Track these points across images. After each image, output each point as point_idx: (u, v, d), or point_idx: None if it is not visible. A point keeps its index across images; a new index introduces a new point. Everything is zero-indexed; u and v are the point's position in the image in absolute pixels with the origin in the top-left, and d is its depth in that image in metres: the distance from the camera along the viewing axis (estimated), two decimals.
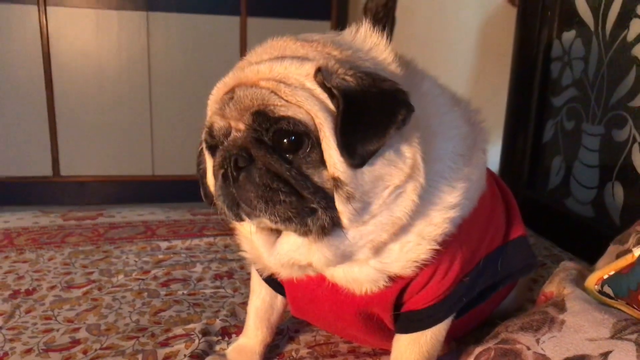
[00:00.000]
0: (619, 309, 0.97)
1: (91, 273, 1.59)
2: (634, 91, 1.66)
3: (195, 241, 1.84)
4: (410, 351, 1.02)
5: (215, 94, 0.90)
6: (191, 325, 1.29)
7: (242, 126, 0.84)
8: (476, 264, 1.03)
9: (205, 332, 1.25)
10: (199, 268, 1.64)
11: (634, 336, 0.86)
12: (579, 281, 1.09)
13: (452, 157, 0.92)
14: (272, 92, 0.82)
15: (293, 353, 1.21)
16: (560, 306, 0.99)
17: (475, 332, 1.23)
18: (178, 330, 1.27)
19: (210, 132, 0.88)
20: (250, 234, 0.95)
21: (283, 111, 0.81)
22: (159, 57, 3.89)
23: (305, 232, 0.84)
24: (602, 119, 1.79)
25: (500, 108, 2.30)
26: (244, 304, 1.34)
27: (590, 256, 1.28)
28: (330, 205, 0.82)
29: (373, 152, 0.79)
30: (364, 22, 0.93)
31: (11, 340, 1.22)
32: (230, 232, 1.16)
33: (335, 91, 0.80)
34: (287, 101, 0.81)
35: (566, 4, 2.00)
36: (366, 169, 0.81)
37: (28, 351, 1.18)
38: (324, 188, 0.82)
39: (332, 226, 0.83)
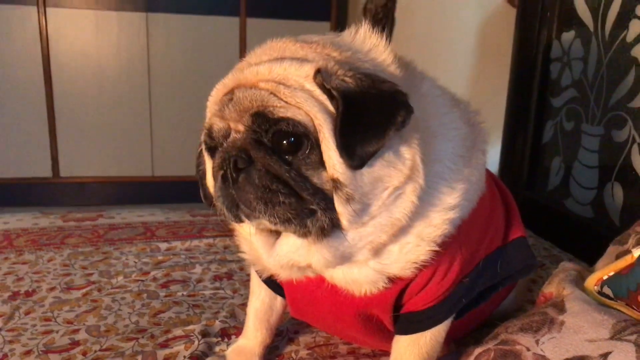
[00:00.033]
0: (619, 310, 0.97)
1: (91, 274, 1.59)
2: (633, 92, 1.66)
3: (195, 242, 1.84)
4: (409, 352, 1.02)
5: (215, 95, 0.90)
6: (191, 327, 1.29)
7: (241, 127, 0.84)
8: (476, 265, 1.03)
9: (204, 334, 1.25)
10: (198, 269, 1.64)
11: (633, 337, 0.86)
12: (578, 282, 1.09)
13: (452, 158, 0.92)
14: (271, 93, 0.82)
15: (293, 354, 1.21)
16: (560, 307, 0.99)
17: (474, 333, 1.23)
18: (177, 332, 1.27)
19: (210, 133, 0.88)
20: (249, 235, 0.95)
21: (282, 112, 0.81)
22: (158, 57, 3.89)
23: (304, 234, 0.84)
24: (602, 120, 1.79)
25: (500, 109, 2.31)
26: (244, 305, 1.34)
27: (589, 257, 1.28)
28: (329, 207, 0.82)
29: (372, 153, 0.79)
30: (363, 23, 0.93)
31: (11, 342, 1.22)
32: (229, 233, 1.16)
33: (334, 92, 0.80)
34: (286, 102, 0.81)
35: (565, 5, 2.00)
36: (365, 171, 0.81)
37: (27, 353, 1.18)
38: (323, 189, 0.82)
39: (331, 227, 0.83)
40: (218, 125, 0.87)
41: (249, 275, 1.27)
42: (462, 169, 0.93)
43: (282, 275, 0.97)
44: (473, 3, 2.68)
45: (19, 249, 1.76)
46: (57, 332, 1.27)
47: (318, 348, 1.23)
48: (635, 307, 0.96)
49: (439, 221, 0.90)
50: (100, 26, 3.76)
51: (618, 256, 1.06)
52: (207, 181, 0.97)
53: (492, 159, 2.23)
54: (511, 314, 1.25)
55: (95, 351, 1.19)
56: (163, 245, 1.82)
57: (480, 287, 1.06)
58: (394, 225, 0.86)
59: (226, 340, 1.25)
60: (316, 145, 0.81)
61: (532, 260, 1.16)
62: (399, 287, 0.95)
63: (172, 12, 3.84)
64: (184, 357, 1.16)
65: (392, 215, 0.85)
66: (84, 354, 1.18)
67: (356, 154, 0.78)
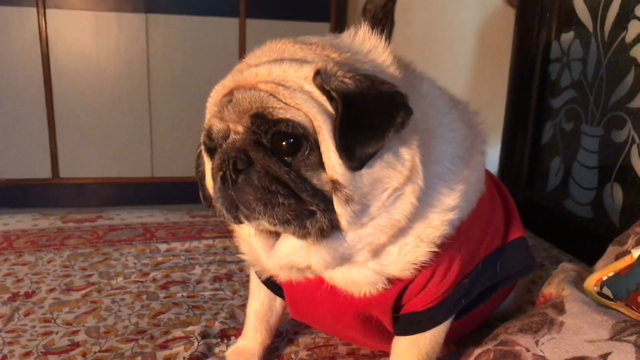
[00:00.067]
0: (618, 311, 0.97)
1: (90, 275, 1.59)
2: (632, 92, 1.66)
3: (194, 243, 1.84)
4: (409, 353, 1.02)
5: (214, 97, 0.90)
6: (190, 328, 1.28)
7: (240, 129, 0.84)
8: (475, 266, 1.03)
9: (204, 335, 1.25)
10: (198, 270, 1.64)
11: (633, 337, 0.86)
12: (578, 282, 1.09)
13: (451, 159, 0.92)
14: (270, 94, 0.82)
15: (292, 355, 1.21)
16: (560, 308, 0.99)
17: (474, 333, 1.23)
18: (177, 333, 1.27)
19: (209, 134, 0.88)
20: (249, 236, 0.95)
21: (282, 114, 0.81)
22: (158, 59, 3.89)
23: (304, 235, 0.84)
24: (601, 120, 1.79)
25: (499, 109, 2.31)
26: (243, 306, 1.34)
27: (589, 257, 1.28)
28: (329, 208, 0.82)
29: (372, 154, 0.79)
30: (362, 24, 0.93)
31: (10, 343, 1.22)
32: (229, 234, 1.16)
33: (333, 94, 0.80)
34: (285, 104, 0.81)
35: (565, 5, 2.01)
36: (365, 172, 0.81)
37: (27, 354, 1.18)
38: (322, 190, 0.82)
39: (330, 229, 0.83)
40: (217, 126, 0.87)
41: (248, 276, 1.27)
42: (461, 170, 0.93)
43: (282, 277, 0.97)
44: (473, 4, 2.68)
45: (18, 250, 1.76)
46: (56, 333, 1.27)
47: (317, 349, 1.23)
48: (634, 308, 0.96)
49: (438, 222, 0.90)
50: (99, 27, 3.76)
51: (617, 257, 1.06)
52: (206, 182, 0.97)
53: (492, 159, 2.23)
54: (511, 314, 1.25)
55: (95, 352, 1.19)
56: (162, 247, 1.82)
57: (479, 288, 1.06)
58: (393, 226, 0.86)
59: (226, 341, 1.25)
60: (315, 147, 0.81)
61: (531, 260, 1.16)
62: (398, 288, 0.95)
63: (171, 13, 3.84)
64: (184, 358, 1.16)
65: (392, 216, 0.85)
66: (84, 355, 1.18)
67: (355, 155, 0.78)
